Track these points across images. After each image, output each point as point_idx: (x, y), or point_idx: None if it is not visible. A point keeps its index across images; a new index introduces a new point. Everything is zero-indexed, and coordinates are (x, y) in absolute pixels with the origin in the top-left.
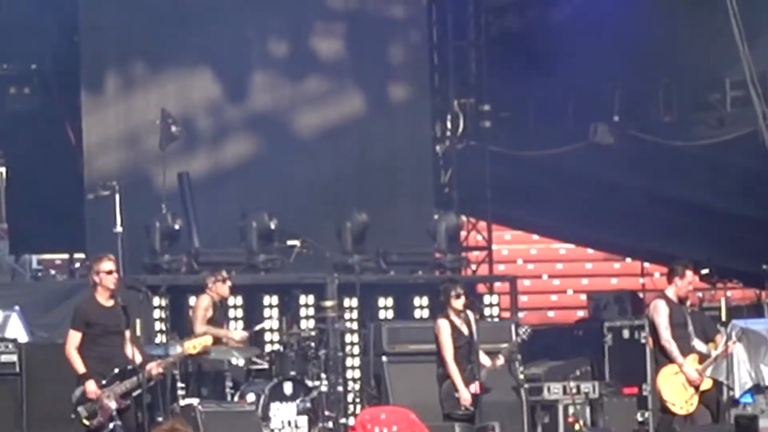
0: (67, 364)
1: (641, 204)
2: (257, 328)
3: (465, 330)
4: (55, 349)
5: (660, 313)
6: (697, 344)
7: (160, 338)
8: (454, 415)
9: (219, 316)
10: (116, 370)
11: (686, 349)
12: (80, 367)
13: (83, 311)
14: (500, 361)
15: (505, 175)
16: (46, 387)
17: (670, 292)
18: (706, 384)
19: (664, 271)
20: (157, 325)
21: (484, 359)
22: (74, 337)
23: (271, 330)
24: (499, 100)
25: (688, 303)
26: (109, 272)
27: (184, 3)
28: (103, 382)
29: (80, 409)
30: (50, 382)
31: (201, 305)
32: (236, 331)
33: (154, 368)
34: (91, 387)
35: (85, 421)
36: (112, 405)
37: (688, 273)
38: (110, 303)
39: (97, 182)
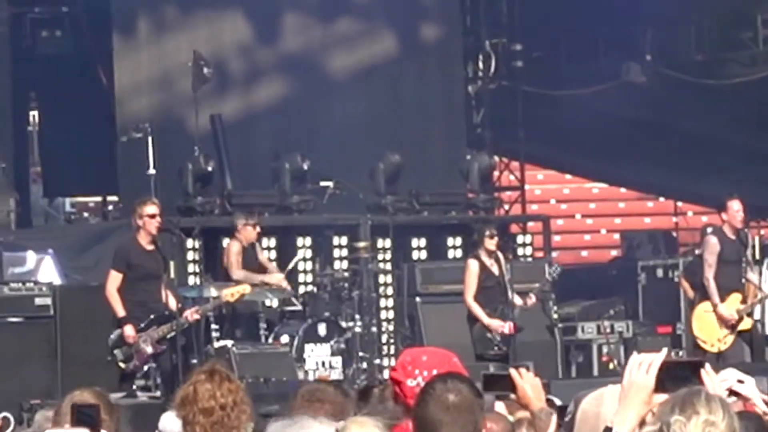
0: (101, 307)
1: (674, 143)
2: (292, 264)
3: (496, 270)
4: (89, 291)
5: (708, 249)
6: (754, 277)
7: (193, 280)
8: (487, 356)
9: (248, 258)
10: (153, 315)
11: (734, 286)
12: (120, 310)
13: (125, 252)
14: (531, 299)
15: (537, 115)
16: (80, 330)
17: (726, 227)
18: (746, 324)
19: (698, 210)
20: (191, 267)
21: (516, 299)
22: (115, 278)
23: (305, 271)
24: (531, 40)
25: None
26: (153, 216)
27: None
28: (141, 326)
29: (117, 352)
30: (84, 324)
31: (233, 251)
32: (272, 275)
33: (191, 314)
34: (129, 331)
35: (121, 364)
36: (149, 349)
37: (730, 204)
38: (151, 247)
39: (129, 125)
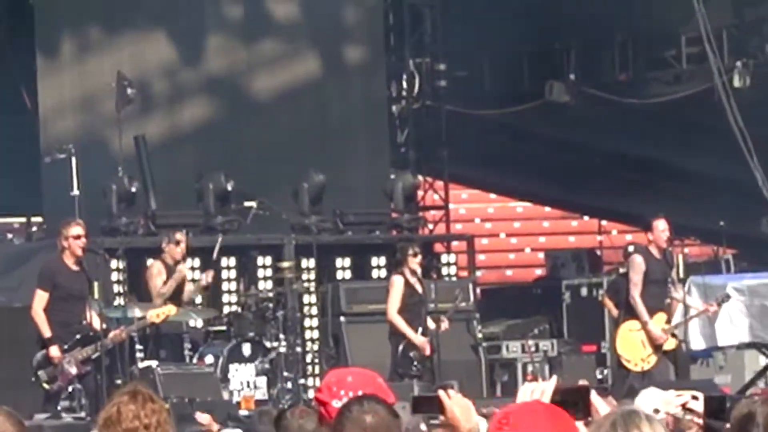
0: (25, 328)
1: (598, 162)
2: (216, 249)
3: (419, 288)
4: (12, 312)
5: (633, 268)
6: (678, 296)
7: (117, 301)
8: (407, 376)
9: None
10: (78, 336)
11: (658, 306)
12: (46, 330)
13: (51, 271)
14: (445, 324)
15: (461, 135)
16: (3, 351)
17: (651, 246)
18: (670, 344)
19: (622, 228)
20: (115, 288)
21: (429, 323)
22: (41, 298)
23: (229, 291)
24: (454, 60)
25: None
26: (78, 237)
27: None
28: (65, 346)
29: (41, 373)
30: (8, 346)
31: (153, 273)
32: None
33: (116, 335)
34: (54, 352)
35: (45, 385)
36: (73, 370)
37: (656, 224)
38: (76, 268)
39: (53, 145)
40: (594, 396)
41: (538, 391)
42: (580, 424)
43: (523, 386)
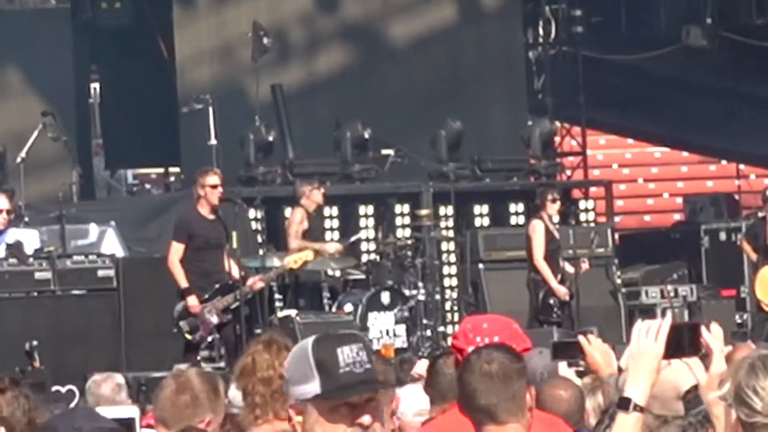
0: (165, 278)
1: (735, 106)
2: (353, 239)
3: (557, 235)
4: (152, 263)
5: None
6: None
7: (256, 250)
8: (547, 323)
9: (315, 227)
10: (217, 285)
11: None
12: (183, 281)
13: (186, 223)
14: (585, 264)
15: (598, 80)
16: (143, 302)
17: None
18: None
19: (760, 173)
20: (253, 237)
21: (567, 267)
22: (177, 249)
23: (368, 240)
24: (590, 5)
25: None
26: (214, 186)
27: None
28: (205, 296)
29: (182, 323)
30: (148, 296)
31: (294, 220)
32: (330, 244)
33: (255, 282)
34: (192, 302)
35: (187, 336)
36: (214, 320)
37: None
38: (212, 217)
39: (190, 96)
40: (704, 332)
41: (654, 328)
42: (694, 359)
43: (636, 324)
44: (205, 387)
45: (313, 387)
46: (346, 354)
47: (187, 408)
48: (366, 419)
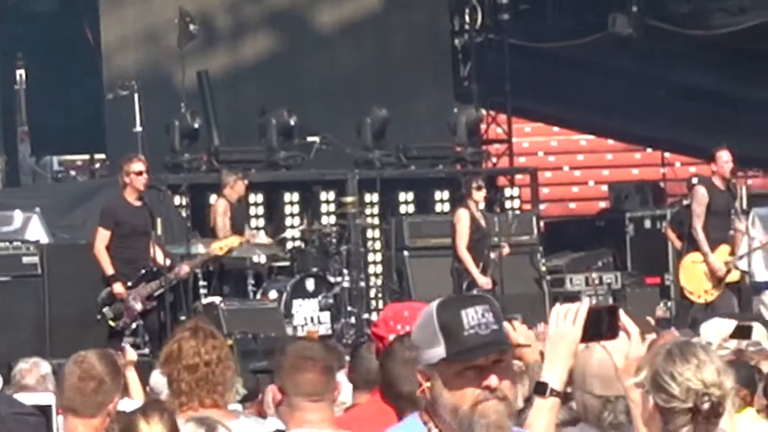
0: (90, 265)
1: (661, 94)
2: (279, 237)
3: (483, 223)
4: (77, 249)
5: (696, 199)
6: (742, 227)
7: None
8: None
9: (238, 217)
10: (142, 271)
11: (722, 238)
12: (108, 268)
13: (112, 209)
14: (506, 249)
15: (524, 68)
16: (68, 288)
17: (715, 178)
18: (734, 276)
19: (685, 161)
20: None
21: (491, 256)
22: (103, 236)
23: (293, 227)
24: None
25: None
26: (139, 173)
27: None
28: (129, 283)
29: (106, 310)
30: (73, 283)
31: (218, 212)
32: (258, 239)
33: (181, 269)
34: (118, 288)
35: (111, 322)
36: (138, 306)
37: (719, 154)
38: (138, 203)
39: (116, 82)
40: (622, 315)
41: (571, 312)
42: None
43: (555, 308)
44: (108, 369)
45: (438, 351)
46: (471, 316)
47: (95, 394)
48: (493, 381)
